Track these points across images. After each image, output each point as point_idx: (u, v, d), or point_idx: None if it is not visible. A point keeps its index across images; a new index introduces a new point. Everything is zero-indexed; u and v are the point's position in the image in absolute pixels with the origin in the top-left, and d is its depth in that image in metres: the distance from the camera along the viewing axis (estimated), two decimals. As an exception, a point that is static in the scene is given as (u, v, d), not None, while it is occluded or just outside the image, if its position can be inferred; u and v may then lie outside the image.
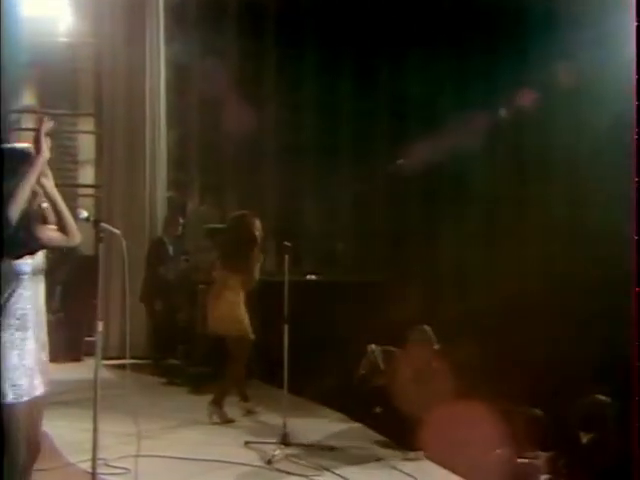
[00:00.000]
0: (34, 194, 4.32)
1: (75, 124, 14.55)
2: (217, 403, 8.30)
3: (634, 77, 3.72)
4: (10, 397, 4.20)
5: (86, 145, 14.07)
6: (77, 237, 4.59)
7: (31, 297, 4.35)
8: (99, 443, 6.35)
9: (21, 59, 13.35)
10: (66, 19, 12.51)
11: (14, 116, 14.31)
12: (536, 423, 6.97)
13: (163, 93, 12.32)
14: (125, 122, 12.27)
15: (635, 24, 3.94)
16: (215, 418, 8.24)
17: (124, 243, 4.80)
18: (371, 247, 14.89)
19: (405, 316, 12.20)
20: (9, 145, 4.50)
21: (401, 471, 6.67)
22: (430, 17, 14.49)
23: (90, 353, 11.23)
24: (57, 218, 4.50)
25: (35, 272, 4.36)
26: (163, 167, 12.30)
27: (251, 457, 7.01)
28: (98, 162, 13.63)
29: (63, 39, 13.07)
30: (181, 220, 11.59)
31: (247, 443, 7.36)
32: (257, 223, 8.43)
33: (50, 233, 4.48)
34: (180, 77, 13.24)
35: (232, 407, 8.61)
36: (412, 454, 7.03)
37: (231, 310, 8.32)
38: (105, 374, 10.93)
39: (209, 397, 8.49)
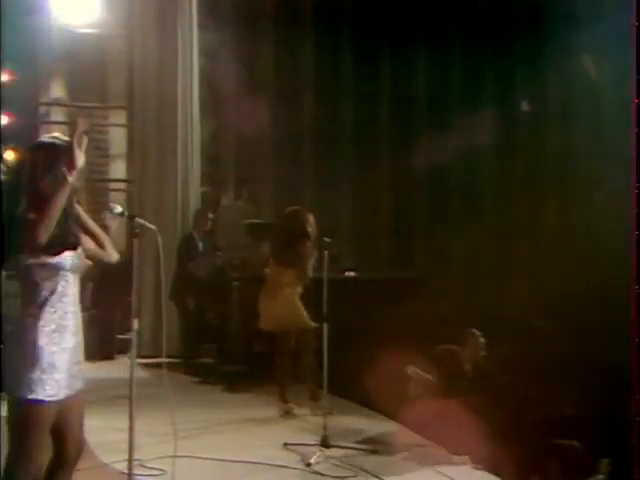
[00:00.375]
0: (73, 191, 4.30)
1: (106, 117, 14.57)
2: (283, 399, 8.59)
3: (634, 77, 3.61)
4: (48, 395, 4.18)
5: (117, 139, 14.08)
6: (114, 255, 4.62)
7: (70, 294, 4.34)
8: (137, 444, 6.40)
9: (51, 51, 13.43)
10: (96, 10, 12.49)
11: (43, 109, 14.41)
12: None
13: (196, 84, 12.25)
14: (157, 115, 12.23)
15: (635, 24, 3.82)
16: (287, 412, 8.52)
17: (159, 239, 4.76)
18: (410, 243, 14.88)
19: (444, 313, 12.21)
20: (46, 139, 4.48)
21: (446, 476, 6.58)
22: (469, 10, 14.55)
23: (122, 351, 11.28)
24: (92, 239, 4.50)
25: (74, 269, 4.34)
26: (196, 161, 12.24)
27: (290, 459, 6.96)
28: (129, 156, 13.64)
29: (93, 30, 13.06)
30: (211, 215, 11.58)
31: (286, 445, 7.31)
32: (310, 218, 8.56)
33: (89, 244, 4.48)
34: (214, 68, 13.23)
35: (270, 407, 8.70)
36: (457, 458, 6.94)
37: (288, 306, 8.51)
38: (139, 373, 10.98)
39: (244, 395, 8.85)
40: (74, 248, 4.35)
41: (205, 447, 7.00)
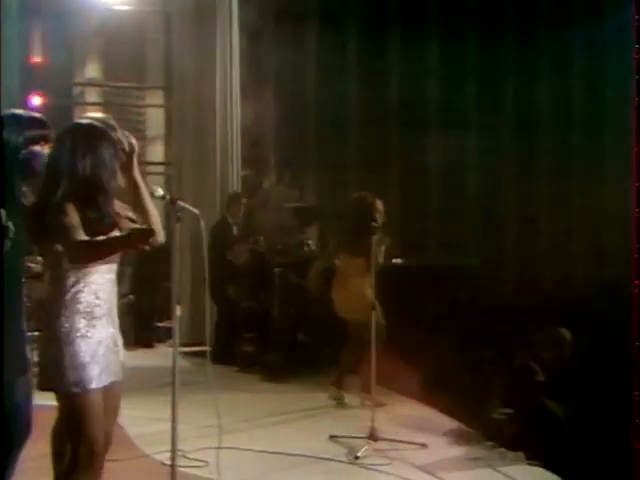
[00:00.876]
0: (113, 173, 4.29)
1: (143, 98, 14.66)
2: (338, 385, 8.65)
3: (634, 77, 3.51)
4: (90, 384, 4.18)
5: (155, 120, 14.14)
6: (162, 236, 4.56)
7: (106, 281, 4.31)
8: (188, 434, 6.42)
9: (86, 29, 13.48)
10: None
11: (77, 89, 14.49)
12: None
13: (237, 64, 12.13)
14: (196, 95, 12.10)
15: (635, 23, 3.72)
16: (337, 399, 8.59)
17: (203, 223, 4.75)
18: (459, 229, 14.81)
19: (497, 301, 12.15)
20: (85, 120, 4.47)
21: (500, 472, 6.51)
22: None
23: (161, 339, 11.33)
24: (142, 216, 4.48)
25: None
26: (237, 143, 12.12)
27: (337, 452, 6.95)
28: (167, 138, 13.67)
29: (130, 7, 13.08)
30: (244, 200, 11.54)
31: (332, 437, 7.29)
32: (378, 204, 8.48)
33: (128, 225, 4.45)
34: (255, 46, 13.16)
35: (314, 398, 8.75)
36: (512, 454, 6.88)
37: (358, 297, 8.43)
38: (178, 361, 11.04)
39: (285, 385, 9.02)
40: (110, 230, 4.32)
41: (248, 438, 7.00)
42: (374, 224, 7.83)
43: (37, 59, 12.62)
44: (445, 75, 14.98)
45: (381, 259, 8.36)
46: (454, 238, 14.55)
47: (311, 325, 10.94)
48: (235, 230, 11.14)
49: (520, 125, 15.01)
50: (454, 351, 10.27)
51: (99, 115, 4.63)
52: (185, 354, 11.27)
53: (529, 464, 6.69)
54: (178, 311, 4.62)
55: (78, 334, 4.15)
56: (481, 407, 8.42)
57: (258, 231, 11.52)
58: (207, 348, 5.02)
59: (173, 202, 4.62)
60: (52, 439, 4.91)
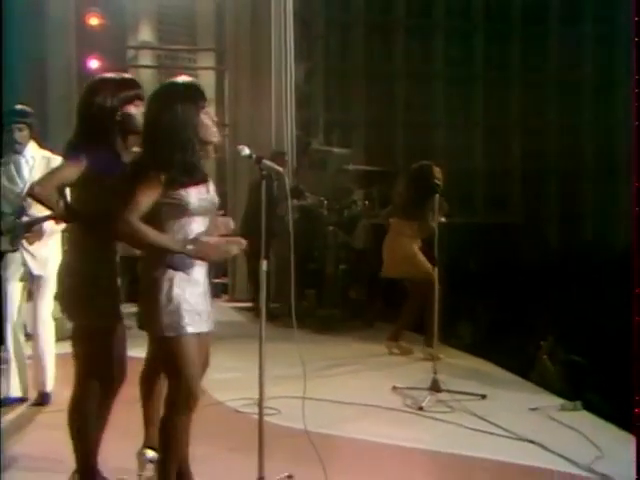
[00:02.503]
0: (205, 126, 4.38)
1: (194, 60, 14.71)
2: (394, 338, 8.96)
3: (634, 77, 3.48)
4: (189, 329, 4.32)
5: (206, 83, 14.18)
6: None
7: (199, 234, 4.41)
8: (247, 384, 6.51)
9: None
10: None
11: (131, 52, 14.55)
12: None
13: (290, 23, 12.10)
14: (249, 56, 12.13)
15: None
16: (394, 351, 8.95)
17: (287, 180, 4.86)
18: (507, 188, 14.83)
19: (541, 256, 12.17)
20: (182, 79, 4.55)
21: (558, 421, 6.56)
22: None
23: (216, 295, 11.44)
24: None
25: (200, 210, 4.39)
26: (291, 104, 12.14)
27: (400, 402, 7.04)
28: (219, 100, 13.72)
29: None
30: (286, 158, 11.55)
31: (394, 388, 7.39)
32: (437, 173, 8.60)
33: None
34: (309, 5, 13.14)
35: (373, 351, 8.96)
36: (570, 404, 6.95)
37: (408, 256, 8.81)
38: (235, 316, 11.17)
39: (338, 337, 9.39)
40: (203, 182, 4.42)
41: (314, 388, 7.05)
42: (436, 189, 7.90)
43: (93, 23, 12.66)
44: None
45: (434, 224, 8.49)
46: (499, 197, 14.62)
47: (361, 282, 11.05)
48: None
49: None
50: (502, 306, 10.38)
51: (186, 77, 4.69)
52: (240, 309, 11.48)
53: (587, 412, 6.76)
54: (264, 266, 4.72)
55: (175, 284, 4.28)
56: (533, 359, 8.56)
57: (312, 190, 11.55)
58: (292, 305, 5.06)
59: (258, 160, 4.73)
60: (141, 384, 5.05)
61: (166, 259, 4.26)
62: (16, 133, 6.74)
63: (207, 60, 14.42)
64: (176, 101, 4.35)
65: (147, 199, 4.21)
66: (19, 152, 6.77)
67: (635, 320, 3.53)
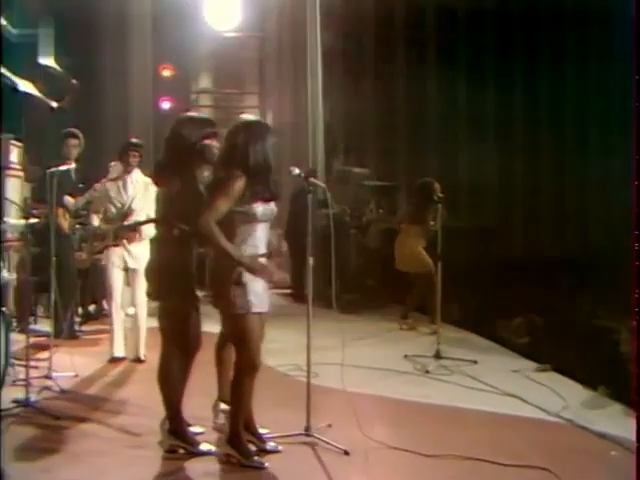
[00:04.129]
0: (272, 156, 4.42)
1: (242, 101, 14.79)
2: (403, 317, 9.03)
3: (634, 77, 3.39)
4: (255, 309, 4.35)
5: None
6: None
7: (262, 237, 4.44)
8: (290, 352, 6.52)
9: (201, 49, 13.60)
10: (237, 17, 12.57)
11: (194, 96, 14.64)
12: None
13: (320, 74, 12.10)
14: (287, 97, 12.30)
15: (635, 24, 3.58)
16: (404, 327, 8.95)
17: (329, 194, 4.92)
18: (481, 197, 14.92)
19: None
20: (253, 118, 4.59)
21: (533, 380, 6.58)
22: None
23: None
24: None
25: (264, 218, 4.42)
26: (320, 136, 12.14)
27: (410, 367, 7.05)
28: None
29: (234, 33, 13.18)
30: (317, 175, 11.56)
31: (406, 356, 7.38)
32: (437, 187, 8.60)
33: None
34: (334, 60, 13.26)
35: (385, 327, 8.94)
36: (542, 367, 6.95)
37: (413, 253, 8.87)
38: (277, 300, 11.16)
39: (359, 317, 9.36)
40: (268, 200, 4.43)
41: (340, 355, 7.03)
42: (438, 200, 7.93)
43: (165, 73, 12.74)
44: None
45: (435, 226, 8.52)
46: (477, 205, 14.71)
47: (375, 273, 11.06)
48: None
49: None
50: (487, 291, 10.38)
51: (251, 115, 4.74)
52: (280, 294, 11.44)
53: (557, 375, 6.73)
54: (311, 261, 4.76)
55: (244, 272, 4.29)
56: (510, 332, 8.56)
57: (337, 201, 11.55)
58: (333, 293, 5.08)
59: (307, 178, 4.77)
60: (216, 351, 5.07)
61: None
62: (131, 158, 6.97)
63: (252, 100, 14.50)
64: (262, 134, 4.39)
65: (224, 207, 4.24)
66: (129, 172, 6.97)
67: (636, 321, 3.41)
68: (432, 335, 7.78)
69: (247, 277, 4.32)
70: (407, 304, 9.08)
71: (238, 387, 4.46)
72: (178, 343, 4.67)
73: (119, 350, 7.09)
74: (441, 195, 8.13)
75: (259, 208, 4.36)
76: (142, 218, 6.79)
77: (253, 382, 4.46)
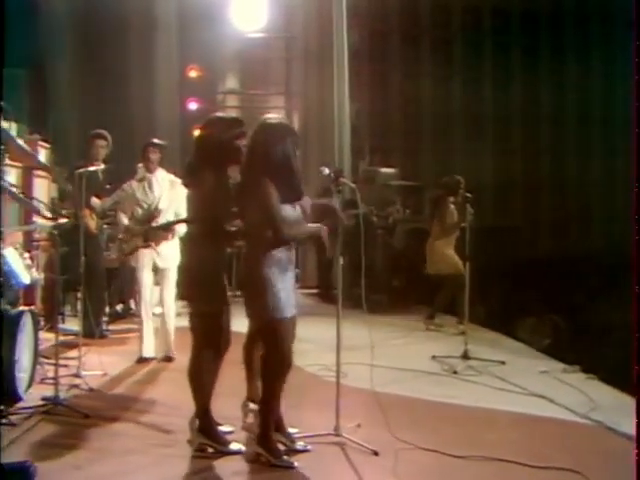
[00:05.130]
0: (295, 156, 4.42)
1: (268, 101, 14.81)
2: (430, 318, 8.96)
3: (634, 77, 3.32)
4: (287, 313, 4.38)
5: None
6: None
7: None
8: (318, 353, 6.51)
9: (227, 51, 13.65)
10: (263, 18, 12.60)
11: (220, 96, 14.69)
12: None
13: (346, 73, 12.08)
14: (314, 98, 12.31)
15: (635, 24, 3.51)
16: (431, 327, 8.88)
17: (358, 195, 4.93)
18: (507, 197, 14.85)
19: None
20: (275, 119, 4.59)
21: (561, 381, 6.54)
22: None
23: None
24: None
25: (291, 219, 4.43)
26: (347, 136, 12.12)
27: (439, 368, 7.02)
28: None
29: (260, 34, 13.21)
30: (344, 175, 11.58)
31: (434, 357, 7.35)
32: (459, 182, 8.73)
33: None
34: (360, 60, 13.26)
35: (411, 328, 8.90)
36: (570, 368, 6.91)
37: (440, 256, 8.80)
38: (305, 300, 11.17)
39: (386, 317, 9.22)
40: (292, 201, 4.43)
41: (368, 356, 7.04)
42: (465, 199, 7.86)
43: (192, 74, 12.81)
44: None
45: (458, 224, 8.53)
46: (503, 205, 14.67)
47: (402, 273, 11.02)
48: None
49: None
50: (514, 291, 10.33)
51: (276, 115, 4.75)
52: (308, 294, 11.47)
53: (587, 377, 6.67)
54: (341, 260, 4.76)
55: (275, 278, 4.30)
56: (538, 332, 8.51)
57: (364, 201, 11.52)
58: (362, 292, 5.08)
59: (336, 178, 4.77)
60: (244, 351, 5.09)
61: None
62: (151, 155, 6.98)
63: (278, 101, 14.51)
64: (283, 135, 4.39)
65: (280, 212, 4.29)
66: (152, 172, 7.00)
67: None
68: (459, 336, 7.74)
69: (280, 281, 4.33)
70: (435, 305, 9.02)
71: (269, 388, 4.47)
72: (209, 342, 4.69)
73: (148, 351, 7.12)
74: (467, 194, 8.08)
75: (288, 210, 4.37)
76: (170, 217, 6.82)
77: (283, 383, 4.48)
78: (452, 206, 8.70)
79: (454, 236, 8.70)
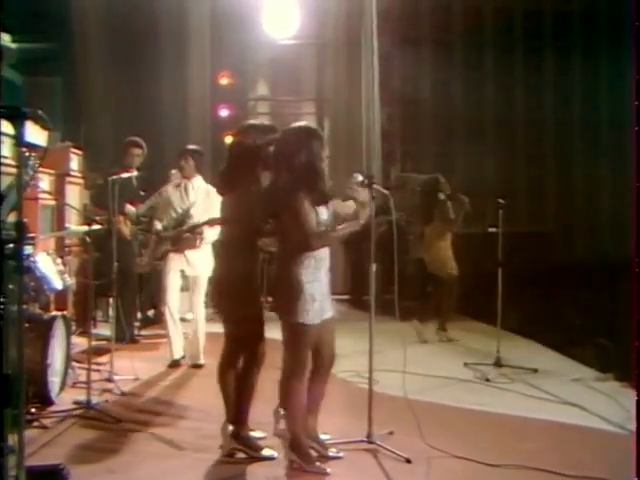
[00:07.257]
0: (323, 160, 4.43)
1: (299, 108, 14.82)
2: (442, 328, 8.72)
3: (634, 77, 3.26)
4: (310, 319, 4.36)
5: (308, 125, 14.40)
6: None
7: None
8: (350, 359, 6.49)
9: (258, 57, 13.69)
10: (294, 25, 12.61)
11: (251, 103, 14.73)
12: None
13: (377, 78, 12.04)
14: (344, 104, 12.32)
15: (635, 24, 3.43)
16: (443, 339, 8.65)
17: (391, 201, 4.92)
18: (540, 202, 14.76)
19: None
20: (302, 124, 4.61)
21: (594, 389, 6.49)
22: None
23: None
24: None
25: (325, 222, 4.43)
26: (378, 141, 12.09)
27: (471, 375, 6.98)
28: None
29: (291, 41, 13.23)
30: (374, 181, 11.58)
31: (466, 364, 7.30)
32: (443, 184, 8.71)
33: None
34: (391, 66, 13.26)
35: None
36: (603, 376, 6.85)
37: (438, 256, 8.70)
38: (335, 306, 11.13)
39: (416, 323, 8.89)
40: (325, 203, 4.44)
41: (401, 363, 7.02)
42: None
43: (223, 82, 12.86)
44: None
45: (457, 222, 8.58)
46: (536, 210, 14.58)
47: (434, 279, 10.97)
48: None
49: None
50: (546, 297, 10.23)
51: (302, 122, 4.78)
52: (338, 300, 11.43)
53: (621, 386, 6.56)
54: (374, 267, 4.76)
55: (307, 282, 4.31)
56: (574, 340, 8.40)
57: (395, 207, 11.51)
58: (395, 298, 5.08)
59: (370, 185, 4.77)
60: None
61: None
62: (183, 162, 7.04)
63: (309, 107, 14.52)
64: (309, 140, 4.40)
65: (313, 221, 4.31)
66: (188, 177, 7.04)
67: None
68: (492, 341, 7.64)
69: (311, 285, 4.34)
70: (439, 314, 8.83)
71: (286, 392, 4.49)
72: (245, 349, 4.70)
73: (178, 352, 7.16)
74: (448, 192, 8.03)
75: (323, 213, 4.39)
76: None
77: (301, 387, 4.46)
78: (449, 203, 8.60)
79: (450, 235, 8.68)
